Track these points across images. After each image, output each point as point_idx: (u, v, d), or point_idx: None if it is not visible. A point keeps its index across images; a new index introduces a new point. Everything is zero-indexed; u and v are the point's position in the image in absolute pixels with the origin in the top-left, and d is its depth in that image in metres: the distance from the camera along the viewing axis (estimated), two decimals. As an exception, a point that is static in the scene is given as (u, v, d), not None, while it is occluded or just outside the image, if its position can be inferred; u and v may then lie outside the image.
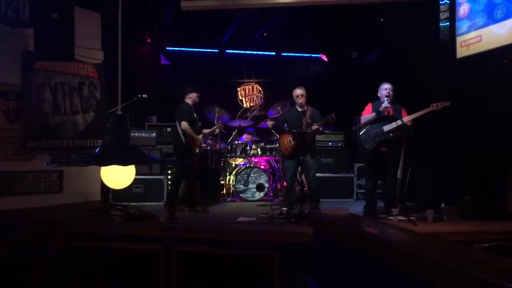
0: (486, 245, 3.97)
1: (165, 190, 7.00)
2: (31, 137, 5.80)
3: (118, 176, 1.88)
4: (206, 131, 6.88)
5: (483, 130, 5.20)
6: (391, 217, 5.25)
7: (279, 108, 7.55)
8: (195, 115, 6.41)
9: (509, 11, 3.97)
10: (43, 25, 5.12)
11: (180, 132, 6.15)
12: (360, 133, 5.64)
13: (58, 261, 4.92)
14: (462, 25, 4.68)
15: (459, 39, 4.71)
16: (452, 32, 4.77)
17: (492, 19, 4.21)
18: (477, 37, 4.44)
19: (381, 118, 5.51)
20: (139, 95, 5.84)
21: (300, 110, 6.09)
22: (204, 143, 7.11)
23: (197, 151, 6.41)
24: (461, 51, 4.65)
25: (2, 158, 5.56)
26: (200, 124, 6.54)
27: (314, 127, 5.89)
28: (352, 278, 2.05)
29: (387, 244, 1.81)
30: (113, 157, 1.70)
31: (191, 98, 6.39)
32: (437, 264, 1.62)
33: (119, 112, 2.31)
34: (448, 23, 5.07)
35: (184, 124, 6.12)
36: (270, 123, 6.60)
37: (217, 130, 7.14)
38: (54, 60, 5.84)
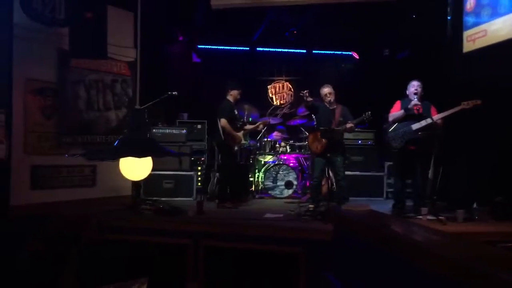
0: (510, 244, 3.87)
1: (195, 186, 7.11)
2: (66, 132, 5.99)
3: (135, 168, 1.95)
4: (249, 127, 6.92)
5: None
6: (420, 216, 5.17)
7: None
8: (236, 112, 6.50)
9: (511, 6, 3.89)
10: (77, 24, 5.31)
11: (220, 129, 6.25)
12: (389, 131, 5.58)
13: (90, 253, 5.08)
14: (468, 20, 4.58)
15: (465, 34, 4.61)
16: (459, 27, 4.67)
17: (497, 14, 4.12)
18: (482, 32, 4.35)
19: (410, 116, 5.43)
20: (169, 92, 5.94)
21: (330, 108, 6.05)
22: (245, 140, 7.26)
23: (235, 148, 6.48)
24: (468, 46, 4.56)
25: (39, 152, 5.76)
26: (242, 121, 6.62)
27: (349, 125, 5.86)
28: (371, 273, 2.05)
29: (404, 241, 1.81)
30: (130, 149, 1.76)
31: (232, 95, 6.47)
32: (455, 263, 1.61)
33: (137, 106, 2.36)
34: (449, 17, 4.98)
35: (223, 121, 6.21)
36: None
37: (261, 126, 7.16)
38: (88, 58, 6.02)
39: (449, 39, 4.89)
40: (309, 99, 5.87)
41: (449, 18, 5.00)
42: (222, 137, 6.26)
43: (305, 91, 5.85)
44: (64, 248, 5.11)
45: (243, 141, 6.63)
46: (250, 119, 7.67)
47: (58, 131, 5.93)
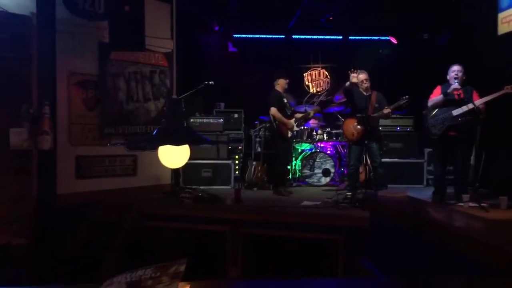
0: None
1: (233, 174, 7.20)
2: (107, 123, 6.17)
3: (173, 156, 2.02)
4: (298, 115, 6.96)
5: None
6: (462, 204, 5.08)
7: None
8: (286, 101, 6.61)
9: None
10: (116, 17, 5.44)
11: (271, 117, 6.43)
12: (429, 118, 5.47)
13: (132, 240, 5.25)
14: (503, 1, 4.41)
15: (500, 16, 4.44)
16: (494, 8, 4.50)
17: None
18: None
19: (451, 101, 5.30)
20: (206, 82, 6.01)
21: (365, 94, 5.98)
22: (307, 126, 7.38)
23: (289, 135, 6.56)
24: (502, 28, 4.39)
25: (82, 143, 5.96)
26: (293, 109, 6.71)
27: (386, 110, 5.78)
28: (408, 259, 2.05)
29: (442, 227, 1.80)
30: (168, 138, 1.82)
31: (279, 84, 6.62)
32: (497, 250, 1.59)
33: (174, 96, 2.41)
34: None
35: (273, 109, 6.39)
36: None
37: (312, 114, 7.19)
38: (127, 50, 6.17)
39: (484, 21, 4.74)
40: (356, 80, 5.76)
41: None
42: (274, 125, 6.43)
43: (355, 71, 5.78)
44: (108, 235, 5.31)
45: (295, 128, 6.70)
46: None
47: (100, 122, 6.11)
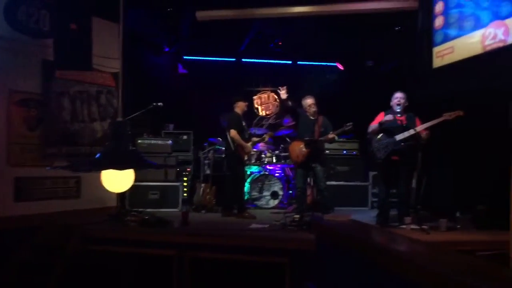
0: (488, 253, 3.93)
1: (180, 197, 7.10)
2: (50, 144, 5.95)
3: (117, 180, 1.97)
4: (255, 139, 7.05)
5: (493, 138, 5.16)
6: (404, 226, 5.23)
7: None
8: (244, 124, 6.63)
9: (477, 23, 4.06)
10: (62, 35, 5.31)
11: (230, 140, 6.40)
12: (373, 142, 5.65)
13: (74, 264, 5.04)
14: (438, 36, 4.76)
15: (435, 50, 4.80)
16: (429, 43, 4.85)
17: (463, 31, 4.30)
18: (449, 48, 4.53)
19: (394, 127, 5.50)
20: (154, 103, 5.95)
21: (312, 118, 6.12)
22: (257, 150, 7.39)
23: (246, 158, 6.55)
24: (437, 62, 4.74)
25: (22, 164, 5.71)
26: (250, 132, 6.73)
27: (331, 135, 5.92)
28: (352, 283, 2.08)
29: (383, 251, 1.84)
30: (111, 162, 1.79)
31: (239, 107, 6.66)
32: (433, 273, 1.65)
33: (120, 119, 2.37)
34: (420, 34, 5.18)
35: (233, 132, 6.37)
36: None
37: (267, 138, 7.24)
38: (73, 69, 6.02)
39: (420, 54, 5.05)
40: (285, 95, 5.93)
41: (420, 34, 5.16)
42: (232, 147, 6.40)
43: (282, 88, 5.97)
44: (49, 259, 5.08)
45: (252, 152, 6.73)
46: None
47: (42, 142, 5.89)
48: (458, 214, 5.66)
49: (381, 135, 5.59)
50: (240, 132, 6.47)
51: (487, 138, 5.34)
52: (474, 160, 5.75)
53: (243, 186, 6.87)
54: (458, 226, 5.25)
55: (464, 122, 5.20)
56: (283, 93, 5.89)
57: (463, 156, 6.10)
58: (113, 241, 5.13)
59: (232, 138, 6.39)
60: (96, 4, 6.12)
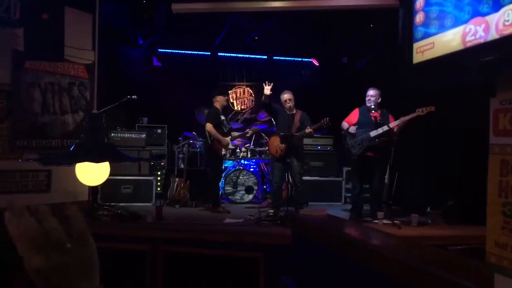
0: (459, 247, 4.04)
1: (154, 191, 7.03)
2: (19, 136, 5.80)
3: (92, 173, 1.93)
4: (235, 134, 7.03)
5: (465, 134, 5.28)
6: (376, 221, 5.31)
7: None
8: (223, 118, 6.63)
9: (458, 20, 4.16)
10: (33, 25, 5.15)
11: (207, 134, 6.43)
12: (348, 138, 5.71)
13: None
14: (418, 32, 4.86)
15: (415, 46, 4.89)
16: (409, 39, 4.95)
17: (443, 27, 4.39)
18: (430, 44, 4.63)
19: (368, 123, 5.57)
20: (128, 96, 5.85)
21: (289, 113, 6.14)
22: (233, 144, 7.34)
23: (223, 152, 6.51)
24: (417, 57, 4.84)
25: (-10, 156, 5.56)
26: (230, 127, 6.68)
27: (307, 130, 5.93)
28: (327, 277, 2.09)
29: (358, 245, 1.86)
30: (86, 154, 1.75)
31: (218, 101, 6.65)
32: (406, 266, 1.67)
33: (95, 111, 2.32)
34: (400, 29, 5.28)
35: (209, 125, 6.39)
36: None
37: (250, 133, 7.19)
38: (44, 60, 5.86)
39: (400, 50, 5.12)
40: (269, 92, 5.92)
41: (400, 29, 5.23)
42: (209, 141, 6.41)
43: (269, 84, 5.92)
44: (16, 256, 4.95)
45: (230, 146, 6.69)
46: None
47: (11, 134, 5.73)
48: (428, 210, 5.79)
49: (356, 131, 5.65)
50: (218, 126, 6.46)
51: (460, 134, 5.45)
52: (445, 156, 5.87)
53: (218, 180, 6.84)
54: (429, 221, 5.36)
55: (438, 117, 5.30)
56: (267, 89, 5.87)
57: (433, 152, 6.22)
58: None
59: (209, 132, 6.39)
60: (69, -7, 5.99)
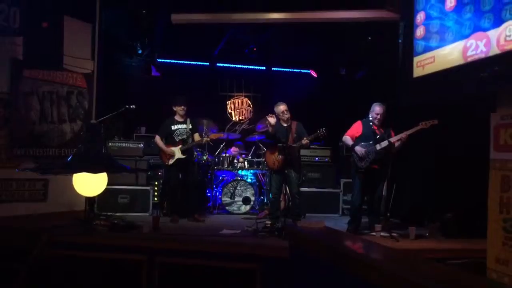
0: (459, 261, 4.01)
1: (151, 201, 7.00)
2: (17, 144, 5.79)
3: (89, 184, 1.92)
4: (193, 143, 6.83)
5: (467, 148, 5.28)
6: (374, 233, 5.28)
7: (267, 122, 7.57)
8: (177, 127, 6.56)
9: (459, 34, 4.17)
10: (32, 33, 5.18)
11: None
12: (354, 152, 5.64)
13: (40, 269, 4.89)
14: (418, 46, 4.87)
15: (415, 59, 4.90)
16: (410, 52, 4.97)
17: (444, 41, 4.41)
18: (430, 58, 4.64)
19: (373, 136, 5.53)
20: (127, 106, 5.86)
21: (285, 125, 6.13)
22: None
23: (170, 162, 6.45)
24: (417, 71, 4.85)
25: (-13, 165, 5.54)
26: (186, 136, 6.56)
27: (304, 141, 5.90)
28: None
29: (356, 258, 1.85)
30: (83, 165, 1.74)
31: (176, 111, 6.59)
32: (405, 281, 1.66)
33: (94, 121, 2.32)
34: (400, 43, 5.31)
35: (156, 138, 6.51)
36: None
37: (205, 140, 6.94)
38: (42, 68, 5.87)
39: (400, 64, 5.13)
40: (274, 121, 5.94)
41: (401, 43, 5.25)
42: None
43: (271, 115, 5.98)
44: (13, 264, 4.91)
45: (178, 156, 6.51)
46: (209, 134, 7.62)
47: (9, 143, 5.71)
48: (426, 223, 5.76)
49: (362, 143, 5.59)
50: (170, 136, 6.51)
51: (459, 147, 5.45)
52: (443, 169, 5.86)
53: (163, 190, 6.97)
54: (427, 234, 5.34)
55: (439, 131, 5.30)
56: (273, 120, 5.95)
57: (432, 165, 6.22)
58: (81, 245, 5.00)
59: (156, 144, 6.54)
60: (69, 3, 6.00)
